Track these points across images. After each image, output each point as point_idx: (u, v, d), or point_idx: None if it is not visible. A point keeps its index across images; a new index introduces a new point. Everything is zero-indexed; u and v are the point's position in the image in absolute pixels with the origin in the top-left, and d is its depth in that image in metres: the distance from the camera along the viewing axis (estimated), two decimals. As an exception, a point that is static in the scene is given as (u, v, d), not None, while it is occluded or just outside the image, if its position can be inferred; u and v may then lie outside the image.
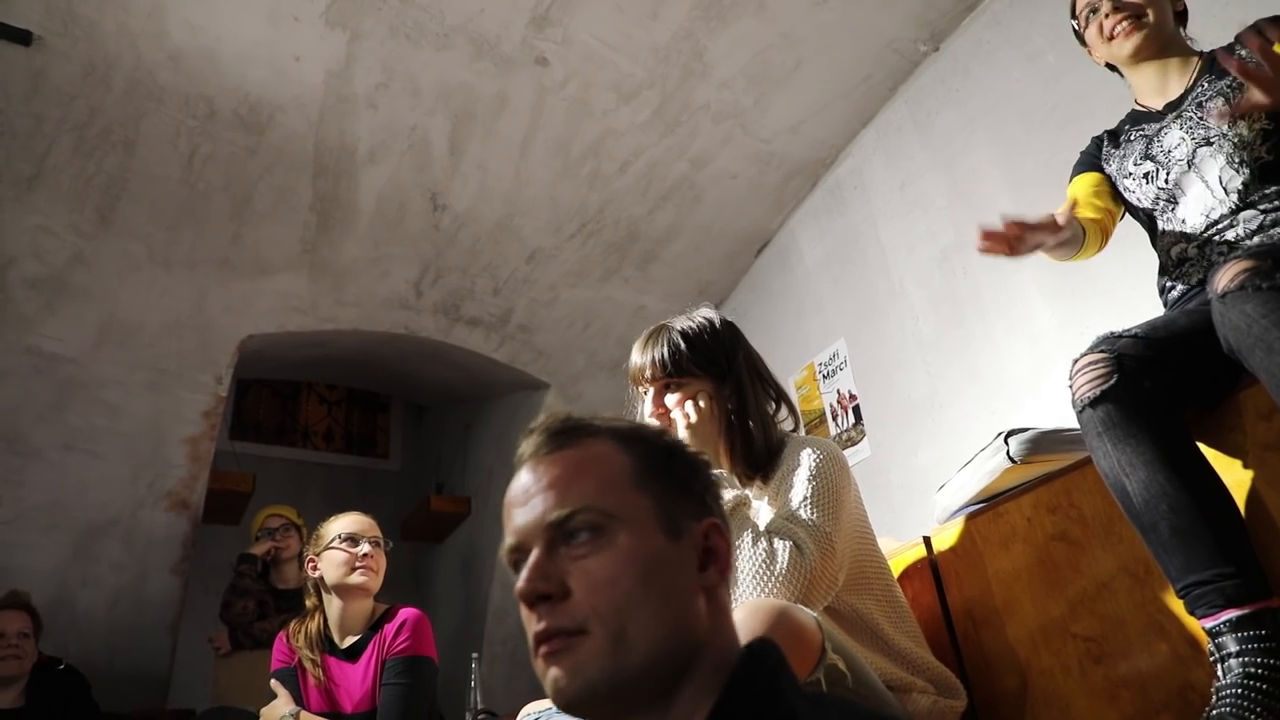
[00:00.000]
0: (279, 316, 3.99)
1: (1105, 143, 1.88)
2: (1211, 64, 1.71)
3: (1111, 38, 1.76)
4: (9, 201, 3.26)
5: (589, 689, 0.78)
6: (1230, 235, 1.57)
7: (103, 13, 2.88)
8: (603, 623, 0.79)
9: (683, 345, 1.70)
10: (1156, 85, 1.78)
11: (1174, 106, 1.73)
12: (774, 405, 1.75)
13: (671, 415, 1.67)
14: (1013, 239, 1.56)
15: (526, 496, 0.87)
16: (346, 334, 4.26)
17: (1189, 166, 1.65)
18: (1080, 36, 1.88)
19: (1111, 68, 1.88)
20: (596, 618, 0.79)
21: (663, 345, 1.70)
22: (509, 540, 0.88)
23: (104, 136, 3.19)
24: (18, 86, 2.99)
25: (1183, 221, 1.67)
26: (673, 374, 1.69)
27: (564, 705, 0.80)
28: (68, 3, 2.83)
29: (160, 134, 3.24)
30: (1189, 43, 1.80)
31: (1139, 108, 1.83)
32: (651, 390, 1.71)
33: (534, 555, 0.84)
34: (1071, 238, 1.74)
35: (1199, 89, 1.69)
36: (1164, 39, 1.76)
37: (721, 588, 0.88)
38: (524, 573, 0.83)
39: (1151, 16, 1.73)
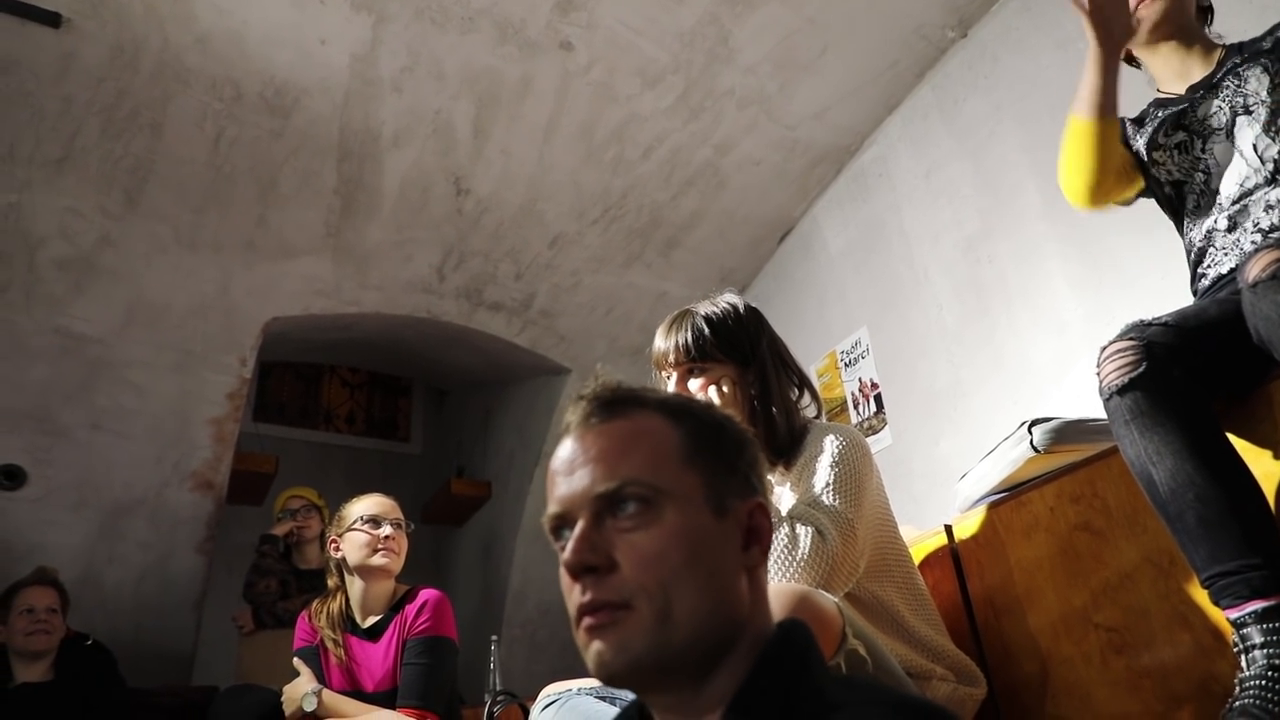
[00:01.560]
0: (303, 299, 4.01)
1: (1129, 125, 1.84)
2: (1238, 51, 1.69)
3: (1136, 7, 1.73)
4: (38, 183, 3.30)
5: (633, 664, 0.79)
6: (1265, 223, 1.55)
7: (131, -5, 2.90)
8: (649, 599, 0.79)
9: (707, 330, 1.69)
10: (1178, 69, 1.75)
11: (1197, 89, 1.70)
12: (797, 392, 1.75)
13: None
14: None
15: (573, 466, 0.87)
16: (369, 317, 4.28)
17: (1226, 135, 1.62)
18: None
19: (1131, 62, 1.84)
20: (643, 593, 0.79)
21: (687, 330, 1.70)
22: (553, 508, 0.87)
23: (131, 119, 3.22)
24: (47, 68, 3.02)
25: (1216, 192, 1.64)
26: (696, 359, 1.69)
27: (606, 678, 0.80)
28: (97, -15, 2.86)
29: (187, 117, 3.26)
30: (1216, 39, 1.77)
31: (1161, 94, 1.80)
32: (675, 375, 1.71)
33: (580, 526, 0.83)
34: (1113, 105, 1.70)
35: (1235, 59, 1.66)
36: (1183, 20, 1.73)
37: (762, 568, 0.88)
38: (570, 544, 0.83)
39: None
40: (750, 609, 0.85)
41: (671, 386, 1.71)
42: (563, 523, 0.86)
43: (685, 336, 1.70)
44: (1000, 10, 3.17)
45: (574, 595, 0.82)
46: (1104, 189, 1.76)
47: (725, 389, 1.68)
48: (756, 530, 0.88)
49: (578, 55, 3.29)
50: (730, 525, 0.86)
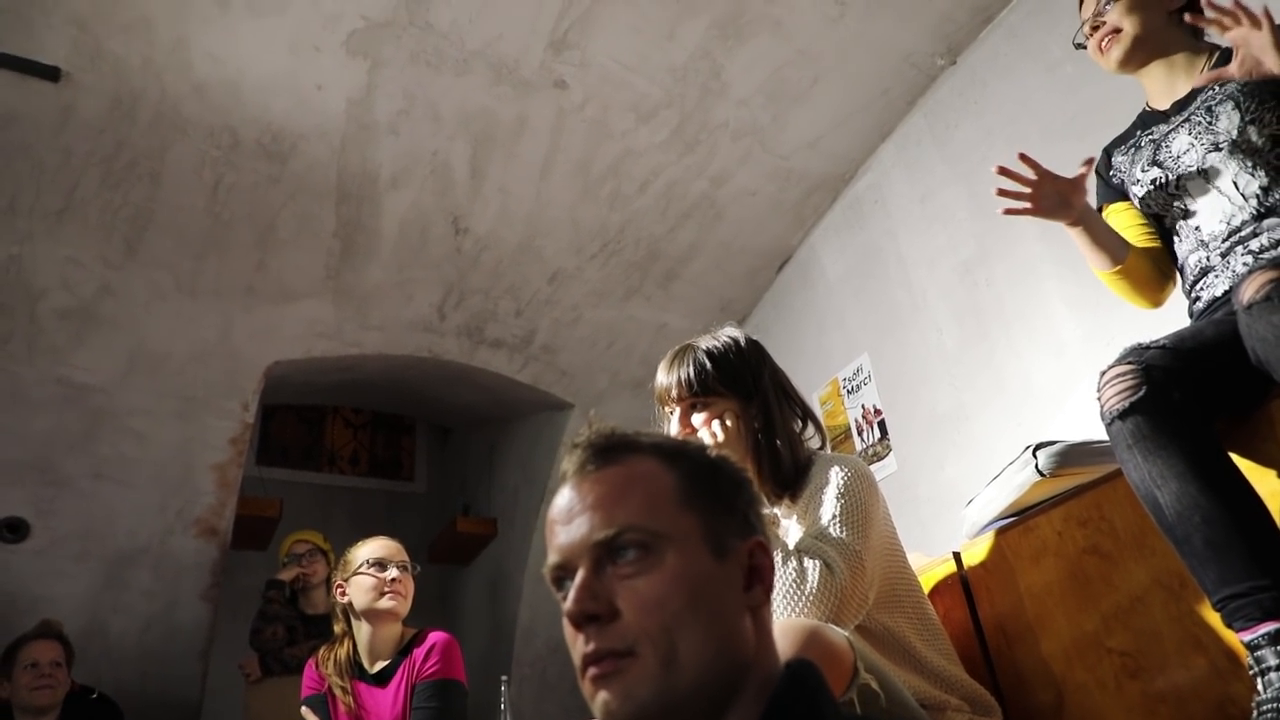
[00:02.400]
0: (304, 342, 4.02)
1: (1114, 153, 1.86)
2: (1216, 60, 1.70)
3: (1101, 53, 1.78)
4: (39, 235, 3.31)
5: (640, 711, 0.78)
6: (1255, 245, 1.56)
7: (129, 47, 2.93)
8: (653, 644, 0.79)
9: (708, 364, 1.70)
10: (1164, 86, 1.77)
11: (1182, 106, 1.72)
12: (800, 423, 1.75)
13: (698, 435, 1.67)
14: (1033, 184, 1.66)
15: (571, 515, 0.87)
16: (371, 358, 4.28)
17: (1198, 173, 1.64)
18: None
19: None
20: (646, 639, 0.79)
21: (688, 365, 1.70)
22: (553, 558, 0.87)
23: (130, 169, 3.24)
24: (47, 121, 3.05)
25: (1197, 229, 1.65)
26: (699, 393, 1.69)
27: None
28: (95, 39, 2.88)
29: (185, 165, 3.28)
30: (1205, 38, 1.77)
31: (1148, 110, 1.82)
32: (678, 410, 1.71)
33: (581, 575, 0.83)
34: (1116, 244, 1.76)
35: (1208, 91, 1.67)
36: (1154, 44, 1.75)
37: (765, 607, 0.88)
38: (572, 594, 0.83)
39: (1129, 26, 1.73)
40: (756, 650, 0.84)
41: (675, 421, 1.71)
42: (564, 573, 0.86)
43: (687, 371, 1.70)
44: (988, 37, 3.20)
45: (578, 645, 0.82)
46: (1161, 291, 1.82)
47: (728, 423, 1.67)
48: (758, 570, 0.88)
49: (572, 93, 3.32)
50: (731, 566, 0.86)
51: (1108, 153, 1.89)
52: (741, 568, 0.87)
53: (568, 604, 0.83)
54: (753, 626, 0.85)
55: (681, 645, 0.79)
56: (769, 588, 0.89)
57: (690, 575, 0.82)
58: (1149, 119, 1.80)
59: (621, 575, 0.82)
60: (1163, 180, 1.69)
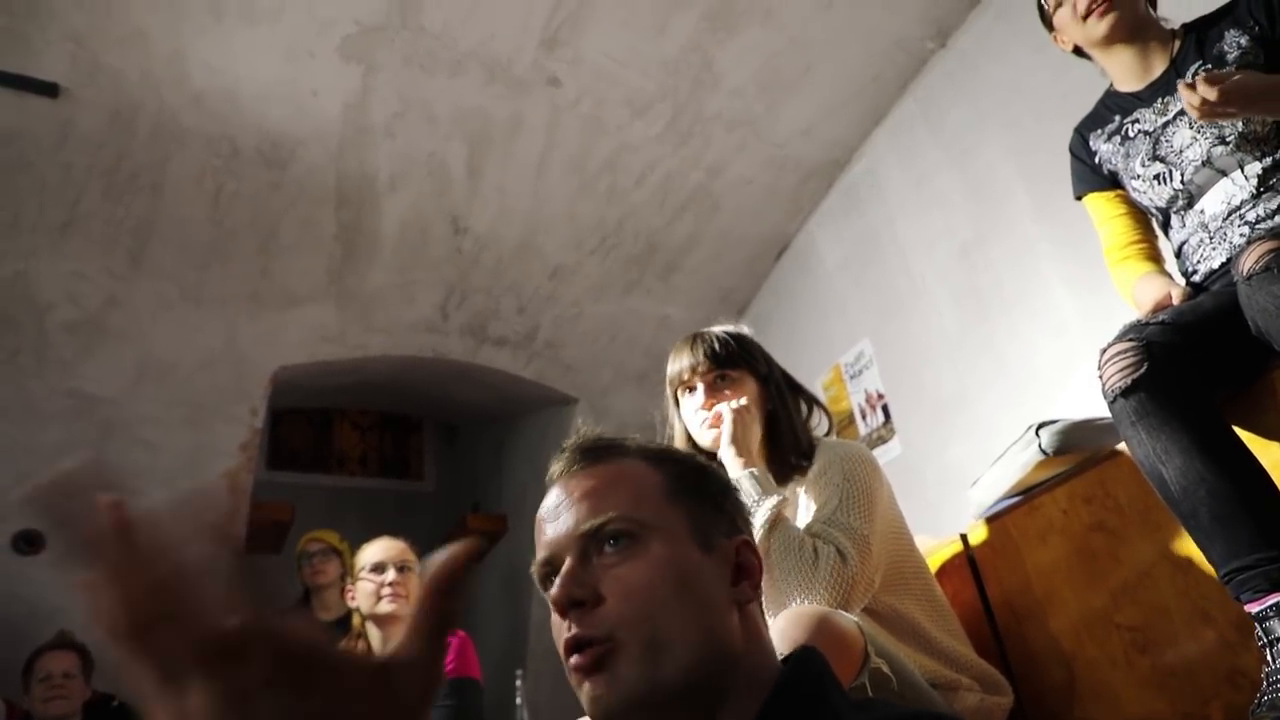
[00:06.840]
0: (309, 346, 4.04)
1: (1090, 137, 1.84)
2: (1188, 37, 1.70)
3: (1086, 17, 1.72)
4: (44, 250, 3.34)
5: (627, 697, 0.77)
6: (1251, 216, 1.56)
7: (126, 61, 2.95)
8: (632, 630, 0.78)
9: (731, 340, 1.72)
10: (1137, 68, 1.75)
11: (1159, 86, 1.70)
12: (806, 409, 1.76)
13: (720, 410, 1.64)
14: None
15: (558, 512, 0.87)
16: (376, 360, 4.30)
17: (1204, 165, 1.63)
18: (1047, 19, 1.84)
19: (1079, 53, 1.83)
20: (625, 625, 0.78)
21: (710, 341, 1.72)
22: (540, 554, 0.87)
23: (132, 181, 3.26)
24: (47, 137, 3.07)
25: (1201, 212, 1.65)
26: (726, 364, 1.69)
27: (604, 717, 0.79)
28: (92, 53, 2.90)
29: (186, 175, 3.30)
30: (1163, 23, 1.77)
31: (1116, 91, 1.80)
32: (701, 386, 1.70)
33: (567, 564, 0.83)
34: None
35: (1193, 62, 1.66)
36: (1138, 20, 1.73)
37: (754, 604, 0.87)
38: (558, 580, 0.82)
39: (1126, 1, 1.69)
40: (744, 644, 0.83)
41: (699, 396, 1.70)
42: (551, 568, 0.86)
43: (710, 346, 1.71)
44: (977, 19, 3.21)
45: (562, 633, 0.81)
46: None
47: (748, 403, 1.66)
48: (746, 567, 0.87)
49: (565, 90, 3.33)
50: (718, 560, 0.85)
51: (1082, 135, 1.87)
52: (729, 563, 0.86)
53: (553, 590, 0.82)
54: (740, 621, 0.84)
55: (665, 630, 0.78)
56: (756, 584, 0.88)
57: (676, 563, 0.82)
58: (1123, 102, 1.77)
59: (607, 564, 0.82)
60: (1167, 175, 1.68)
